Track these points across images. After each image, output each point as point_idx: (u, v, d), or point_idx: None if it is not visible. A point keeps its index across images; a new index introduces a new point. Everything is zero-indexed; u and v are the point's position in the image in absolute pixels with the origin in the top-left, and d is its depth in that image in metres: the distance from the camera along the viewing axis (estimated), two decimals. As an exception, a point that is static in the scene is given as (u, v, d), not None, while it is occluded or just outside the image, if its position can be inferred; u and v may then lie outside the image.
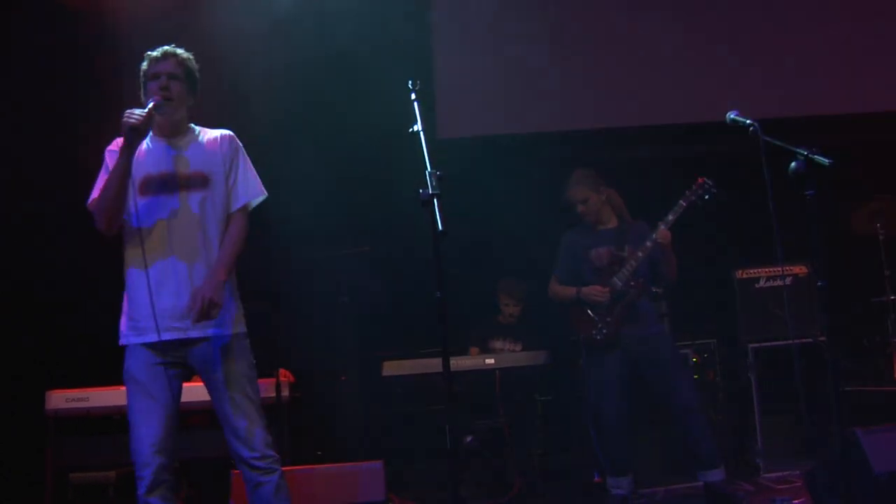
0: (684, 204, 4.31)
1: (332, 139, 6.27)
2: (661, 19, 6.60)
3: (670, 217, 4.31)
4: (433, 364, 4.79)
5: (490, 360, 4.93)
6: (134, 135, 2.92)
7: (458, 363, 4.81)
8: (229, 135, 3.25)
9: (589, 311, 4.43)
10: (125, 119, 2.91)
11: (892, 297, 5.55)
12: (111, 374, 4.90)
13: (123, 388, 4.50)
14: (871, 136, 6.50)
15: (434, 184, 2.87)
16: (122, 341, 3.09)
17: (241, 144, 3.28)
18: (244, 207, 3.21)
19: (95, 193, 3.09)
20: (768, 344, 5.15)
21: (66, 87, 5.33)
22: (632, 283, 4.36)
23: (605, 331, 4.36)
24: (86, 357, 5.54)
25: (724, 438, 5.00)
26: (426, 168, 2.96)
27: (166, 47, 3.18)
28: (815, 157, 3.45)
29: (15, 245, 5.68)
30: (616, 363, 4.35)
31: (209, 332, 3.05)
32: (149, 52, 3.19)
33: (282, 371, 4.76)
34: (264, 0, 5.42)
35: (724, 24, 6.60)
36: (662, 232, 4.29)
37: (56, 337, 5.60)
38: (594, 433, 4.52)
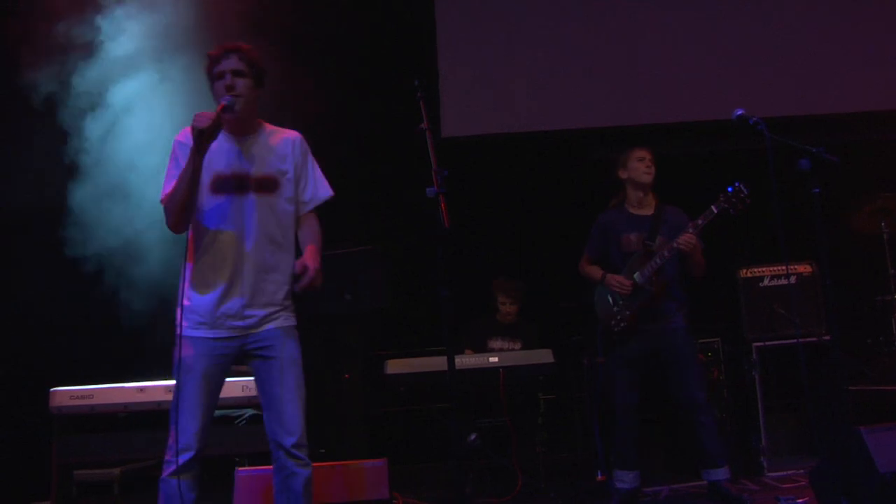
0: (715, 210, 4.10)
1: (336, 137, 6.27)
2: (666, 17, 6.60)
3: (700, 222, 4.15)
4: (437, 362, 4.79)
5: (494, 359, 4.92)
6: (202, 138, 2.91)
7: (462, 362, 4.80)
8: (299, 137, 3.26)
9: (610, 300, 4.39)
10: (194, 123, 2.90)
11: (897, 296, 5.55)
12: (115, 371, 4.93)
13: (127, 386, 4.57)
14: (876, 135, 6.50)
15: (440, 182, 2.87)
16: (183, 333, 3.05)
17: (308, 147, 3.28)
18: (315, 208, 3.27)
19: (167, 189, 3.06)
20: (773, 343, 5.14)
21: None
22: (653, 281, 4.28)
23: (623, 323, 4.32)
24: (90, 354, 5.56)
25: (728, 437, 5.00)
26: (432, 166, 2.96)
27: (228, 43, 3.13)
28: (823, 155, 3.45)
29: (15, 243, 5.69)
30: (631, 356, 4.32)
31: (269, 327, 3.11)
32: (210, 52, 3.13)
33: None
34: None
35: (728, 21, 6.59)
36: (686, 237, 4.15)
37: (60, 334, 5.61)
38: (597, 425, 4.48)
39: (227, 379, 4.74)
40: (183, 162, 3.00)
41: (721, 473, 4.26)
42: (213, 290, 3.05)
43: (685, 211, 4.48)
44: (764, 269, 5.30)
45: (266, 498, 3.82)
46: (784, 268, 5.23)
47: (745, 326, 5.24)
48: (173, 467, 2.95)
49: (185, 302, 3.08)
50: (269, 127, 3.25)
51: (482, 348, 5.47)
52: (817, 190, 3.46)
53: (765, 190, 3.93)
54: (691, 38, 6.59)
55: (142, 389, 4.58)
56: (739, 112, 3.65)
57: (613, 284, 4.36)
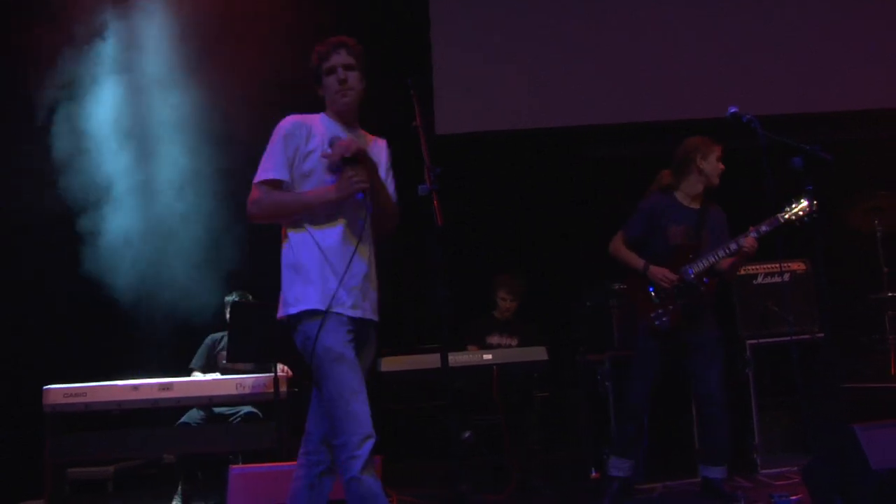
0: (782, 220, 4.04)
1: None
2: (663, 15, 6.60)
3: (763, 228, 4.08)
4: (431, 360, 4.78)
5: (488, 356, 4.91)
6: (354, 195, 2.91)
7: (456, 359, 4.79)
8: (385, 141, 3.27)
9: (652, 293, 4.25)
10: (357, 183, 2.89)
11: (890, 294, 5.55)
12: (109, 370, 4.92)
13: (121, 384, 4.56)
14: (871, 133, 6.52)
15: (433, 179, 2.87)
16: (318, 306, 2.95)
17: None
18: None
19: (267, 175, 2.96)
20: (766, 340, 5.14)
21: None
22: (704, 280, 4.18)
23: (665, 318, 4.19)
24: (84, 353, 5.55)
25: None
26: (425, 164, 2.96)
27: (333, 38, 3.09)
28: (817, 153, 3.45)
29: (13, 242, 5.68)
30: (665, 353, 4.23)
31: (374, 318, 3.12)
32: (318, 47, 3.09)
33: (280, 366, 4.76)
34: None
35: (725, 20, 6.60)
36: (750, 240, 4.07)
37: (54, 333, 5.60)
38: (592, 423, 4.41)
39: (222, 377, 4.76)
40: (290, 150, 2.97)
41: (719, 472, 4.27)
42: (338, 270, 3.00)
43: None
44: (757, 266, 5.29)
45: (261, 496, 3.82)
46: (778, 265, 5.22)
47: (738, 324, 5.24)
48: (361, 462, 2.86)
49: (316, 280, 3.03)
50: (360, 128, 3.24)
51: (481, 345, 5.47)
52: (811, 187, 3.46)
53: (758, 187, 3.94)
54: (691, 36, 6.59)
55: (136, 387, 4.57)
56: (733, 110, 3.66)
57: (660, 277, 4.19)
